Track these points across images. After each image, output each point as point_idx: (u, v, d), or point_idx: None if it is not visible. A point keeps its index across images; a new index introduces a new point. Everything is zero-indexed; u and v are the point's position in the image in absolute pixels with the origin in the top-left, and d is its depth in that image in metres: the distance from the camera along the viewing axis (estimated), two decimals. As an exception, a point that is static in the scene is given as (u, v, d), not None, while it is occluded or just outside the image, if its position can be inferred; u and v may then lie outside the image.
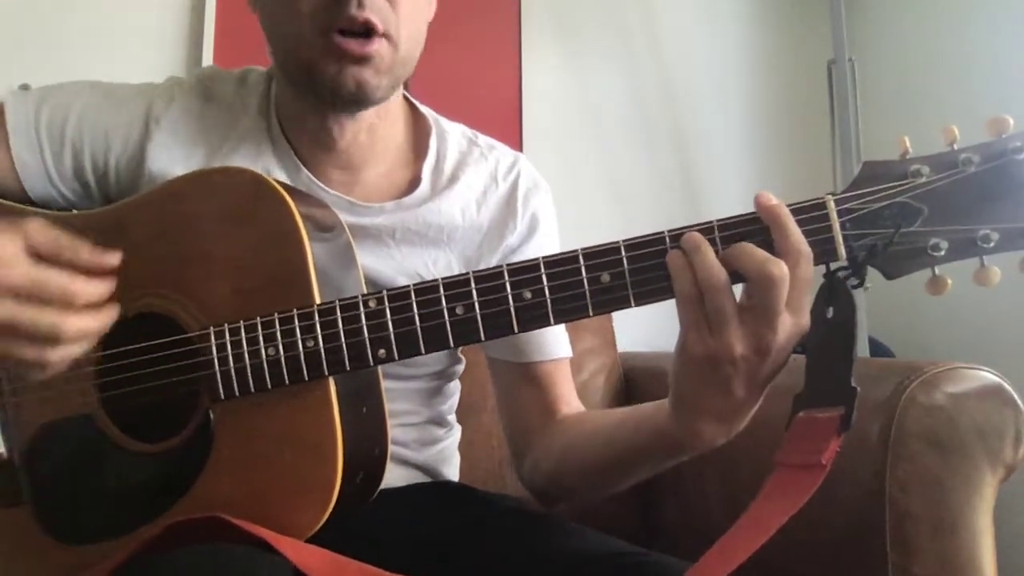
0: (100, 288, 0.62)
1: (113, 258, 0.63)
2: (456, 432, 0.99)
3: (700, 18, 2.06)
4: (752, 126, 2.08)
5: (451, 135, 0.93)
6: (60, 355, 0.61)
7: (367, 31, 0.74)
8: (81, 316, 0.61)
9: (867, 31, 2.03)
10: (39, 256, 0.60)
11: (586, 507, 0.89)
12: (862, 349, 1.63)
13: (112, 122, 0.83)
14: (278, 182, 0.68)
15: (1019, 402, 0.87)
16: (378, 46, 0.74)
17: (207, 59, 1.55)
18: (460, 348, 0.95)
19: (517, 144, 1.81)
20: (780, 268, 0.56)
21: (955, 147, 0.57)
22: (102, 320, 0.63)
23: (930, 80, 1.92)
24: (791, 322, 0.58)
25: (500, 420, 0.95)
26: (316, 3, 0.73)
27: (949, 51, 1.90)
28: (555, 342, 0.90)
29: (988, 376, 0.89)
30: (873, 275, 0.59)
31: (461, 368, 0.98)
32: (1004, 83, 1.75)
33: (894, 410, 0.87)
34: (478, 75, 1.78)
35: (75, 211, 0.86)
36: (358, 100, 0.77)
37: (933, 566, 0.84)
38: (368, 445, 0.69)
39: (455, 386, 0.98)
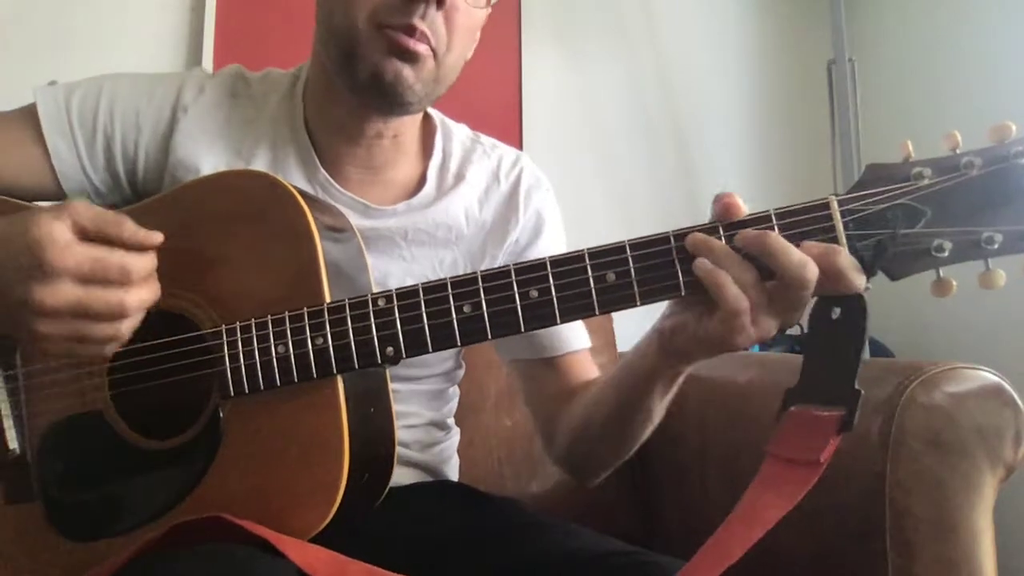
0: (150, 262, 0.63)
1: (156, 237, 0.63)
2: (455, 435, 1.00)
3: (700, 18, 2.06)
4: (752, 126, 2.09)
5: (455, 134, 0.94)
6: (128, 327, 0.62)
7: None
8: (140, 288, 0.61)
9: (867, 31, 2.04)
10: (87, 236, 0.60)
11: (586, 506, 0.89)
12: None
13: (142, 106, 0.83)
14: (293, 186, 0.69)
15: (1019, 402, 0.87)
16: (426, 49, 0.75)
17: (207, 59, 1.54)
18: (463, 351, 0.96)
19: (517, 144, 1.81)
20: (815, 271, 0.57)
21: (957, 152, 0.58)
22: (156, 290, 0.64)
23: (930, 80, 1.92)
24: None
25: (531, 419, 0.95)
26: (380, 3, 0.73)
27: (949, 51, 1.90)
28: (574, 336, 0.91)
29: (988, 376, 0.89)
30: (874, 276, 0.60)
31: (462, 373, 0.99)
32: (1004, 83, 1.75)
33: (894, 410, 0.87)
34: (478, 75, 1.77)
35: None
36: (391, 95, 0.77)
37: (933, 566, 0.84)
38: (375, 446, 0.69)
39: (455, 391, 0.99)
